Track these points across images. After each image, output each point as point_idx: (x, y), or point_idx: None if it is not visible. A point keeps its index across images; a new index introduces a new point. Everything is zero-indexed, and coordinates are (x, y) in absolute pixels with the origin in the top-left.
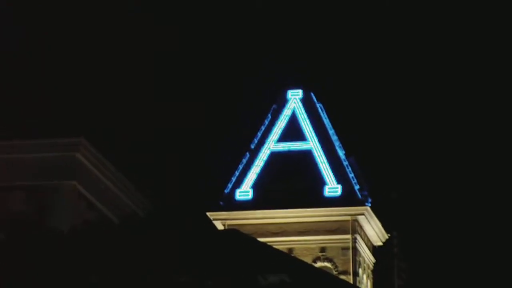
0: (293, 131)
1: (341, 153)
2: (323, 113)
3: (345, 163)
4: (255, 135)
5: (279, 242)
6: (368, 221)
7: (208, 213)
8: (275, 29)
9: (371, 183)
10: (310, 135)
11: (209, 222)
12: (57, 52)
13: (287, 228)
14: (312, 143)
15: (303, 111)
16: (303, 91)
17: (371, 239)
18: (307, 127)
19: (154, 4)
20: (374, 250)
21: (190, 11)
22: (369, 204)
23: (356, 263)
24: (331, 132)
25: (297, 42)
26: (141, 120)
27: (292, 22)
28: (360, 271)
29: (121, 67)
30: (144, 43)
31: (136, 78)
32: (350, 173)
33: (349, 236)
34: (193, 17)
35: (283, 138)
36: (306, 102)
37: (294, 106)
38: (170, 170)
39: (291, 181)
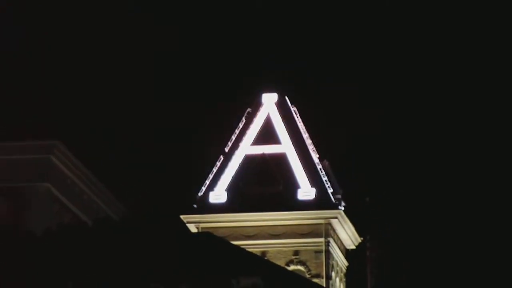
0: (267, 135)
1: (315, 156)
2: (297, 117)
3: (319, 166)
4: (229, 138)
5: (253, 245)
6: (341, 224)
7: (181, 216)
8: (274, 29)
9: (345, 187)
10: (284, 139)
11: (183, 225)
12: (57, 52)
13: (261, 231)
14: (286, 147)
15: (277, 114)
16: (277, 95)
17: (344, 242)
18: (281, 130)
19: (154, 4)
20: (347, 253)
21: (190, 11)
22: (342, 208)
23: (329, 266)
24: (305, 135)
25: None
26: (126, 117)
27: (288, 23)
28: (333, 274)
29: (121, 67)
30: (144, 43)
31: (136, 78)
32: (324, 177)
33: (322, 240)
34: (193, 17)
35: (258, 141)
36: (281, 105)
37: (268, 110)
38: (144, 173)
39: (265, 185)
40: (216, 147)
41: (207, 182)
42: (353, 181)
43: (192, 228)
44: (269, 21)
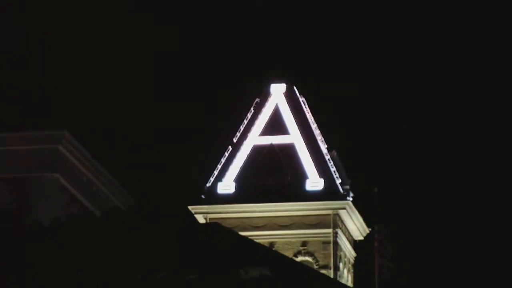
0: (275, 125)
1: (323, 147)
2: (305, 107)
3: (327, 157)
4: (237, 128)
5: (261, 236)
6: (350, 215)
7: (189, 207)
8: (274, 29)
9: (353, 177)
10: (293, 129)
11: (191, 215)
12: (57, 52)
13: (269, 222)
14: (294, 137)
15: (286, 105)
16: (286, 85)
17: (352, 233)
18: (289, 121)
19: (154, 4)
20: (355, 244)
21: (190, 11)
22: (351, 199)
23: (337, 257)
24: (314, 126)
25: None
26: (127, 116)
27: (287, 20)
28: (341, 265)
29: (121, 67)
30: (144, 43)
31: (136, 78)
32: (332, 168)
33: (330, 231)
34: (193, 17)
35: (266, 131)
36: (289, 95)
37: (277, 100)
38: (152, 164)
39: (273, 175)
40: (224, 137)
41: (215, 172)
42: (361, 172)
43: (200, 219)
44: (269, 21)
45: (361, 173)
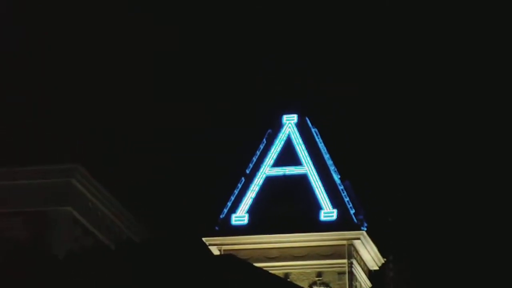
0: (288, 156)
1: (336, 177)
2: (318, 138)
3: (341, 187)
4: (250, 159)
5: (275, 267)
6: (364, 245)
7: (203, 238)
8: (275, 31)
9: (367, 207)
10: (305, 160)
11: (205, 247)
12: (57, 52)
13: (283, 253)
14: (307, 168)
15: (298, 135)
16: (298, 116)
17: (367, 263)
18: (302, 151)
19: (154, 4)
20: (370, 274)
21: (190, 11)
22: (365, 229)
23: (352, 287)
24: (326, 156)
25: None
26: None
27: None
28: None
29: (121, 67)
30: (144, 43)
31: (136, 79)
32: (346, 198)
33: (345, 261)
34: (193, 17)
35: (278, 162)
36: (302, 126)
37: (289, 131)
38: (166, 196)
39: (286, 206)
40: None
41: (229, 204)
42: (375, 201)
43: (215, 251)
44: (269, 21)
45: (375, 203)
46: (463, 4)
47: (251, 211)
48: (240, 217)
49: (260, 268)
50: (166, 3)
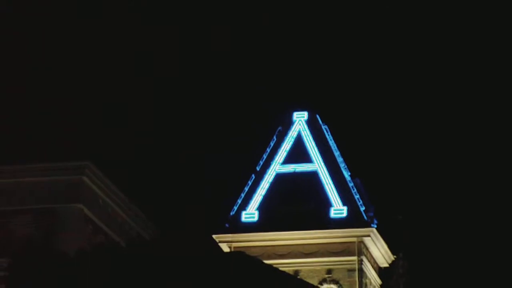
0: (298, 153)
1: (346, 174)
2: (328, 135)
3: (351, 184)
4: (260, 157)
5: (285, 264)
6: (374, 242)
7: (214, 236)
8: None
9: (377, 204)
10: (316, 157)
11: (215, 244)
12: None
13: (293, 250)
14: (317, 165)
15: (308, 132)
16: (308, 113)
17: (377, 260)
18: (312, 148)
19: (154, 4)
20: (380, 271)
21: (190, 11)
22: (375, 226)
23: (362, 285)
24: (337, 153)
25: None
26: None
27: (299, 35)
28: None
29: (121, 67)
30: (145, 43)
31: (136, 78)
32: (356, 195)
33: (355, 258)
34: (193, 17)
35: (289, 160)
36: (312, 123)
37: (299, 128)
38: (176, 193)
39: (296, 203)
40: (247, 166)
41: (239, 201)
42: (386, 198)
43: (225, 248)
44: (269, 21)
45: (386, 199)
46: (463, 4)
47: (261, 208)
48: (250, 214)
49: (270, 265)
50: (166, 3)
